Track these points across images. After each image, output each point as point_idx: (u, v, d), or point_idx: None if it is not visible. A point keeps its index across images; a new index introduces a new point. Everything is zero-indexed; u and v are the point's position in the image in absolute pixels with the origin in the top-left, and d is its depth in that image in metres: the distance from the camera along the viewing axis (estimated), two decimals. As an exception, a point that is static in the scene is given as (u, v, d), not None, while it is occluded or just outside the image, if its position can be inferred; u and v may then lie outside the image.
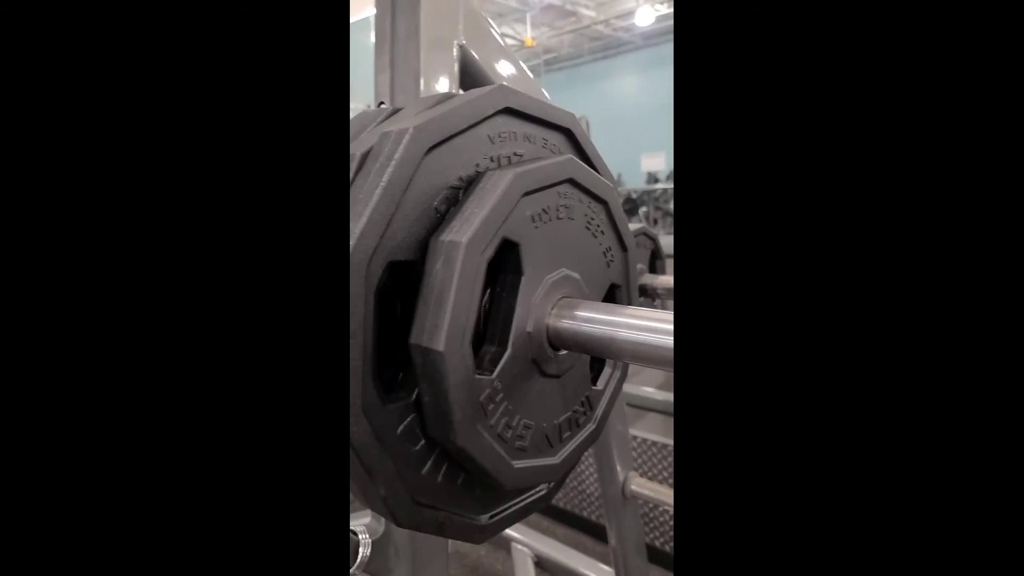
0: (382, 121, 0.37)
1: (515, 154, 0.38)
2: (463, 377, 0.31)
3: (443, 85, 0.57)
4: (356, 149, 0.33)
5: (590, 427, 0.44)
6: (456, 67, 0.58)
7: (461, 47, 0.59)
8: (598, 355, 0.39)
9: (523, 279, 0.35)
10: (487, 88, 0.36)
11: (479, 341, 0.35)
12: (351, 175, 0.32)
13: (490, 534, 0.40)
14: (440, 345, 0.30)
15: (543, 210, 0.36)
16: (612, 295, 0.45)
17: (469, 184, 0.35)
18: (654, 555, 1.19)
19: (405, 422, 0.33)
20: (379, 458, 0.31)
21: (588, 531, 1.63)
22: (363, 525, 0.55)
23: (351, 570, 0.52)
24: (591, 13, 9.72)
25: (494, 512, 0.40)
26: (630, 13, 9.66)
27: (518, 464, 0.36)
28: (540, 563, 1.17)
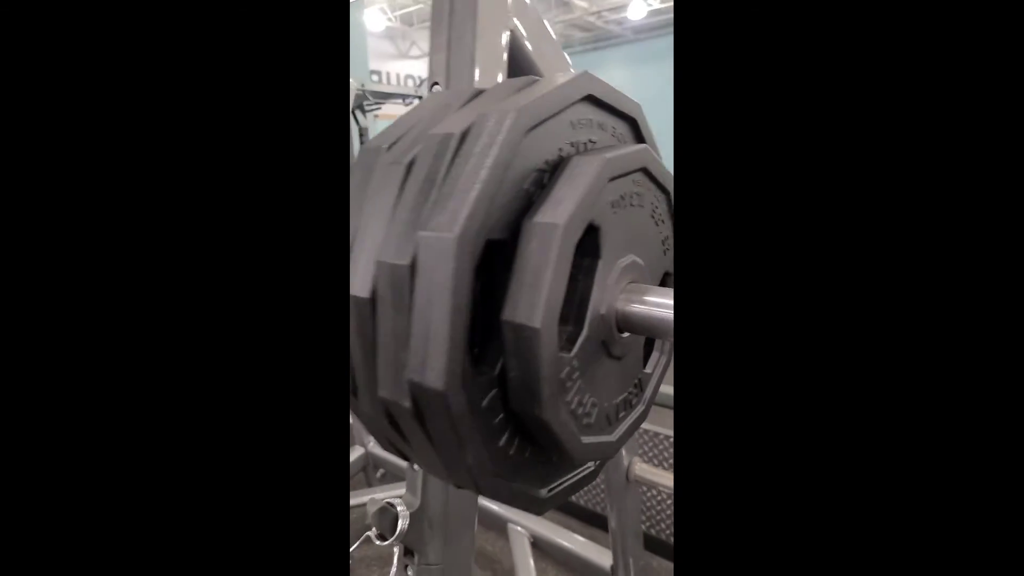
0: (467, 103, 0.38)
1: (590, 140, 0.39)
2: (552, 354, 0.33)
3: (494, 68, 0.57)
4: (452, 128, 0.34)
5: (640, 408, 0.45)
6: (506, 52, 0.59)
7: (511, 31, 0.59)
8: (665, 338, 0.41)
9: (600, 263, 0.37)
10: (572, 75, 0.37)
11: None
12: (450, 154, 0.33)
13: (548, 507, 0.41)
14: (537, 323, 0.31)
15: (621, 196, 0.38)
16: (665, 283, 0.47)
17: (555, 168, 0.36)
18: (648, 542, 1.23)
19: (489, 395, 0.34)
20: (471, 428, 0.32)
21: (576, 515, 1.67)
22: (400, 499, 0.56)
23: (390, 541, 0.53)
24: (583, 4, 9.68)
25: (551, 486, 0.42)
26: (622, 6, 9.65)
27: (585, 440, 0.38)
28: (536, 544, 1.19)
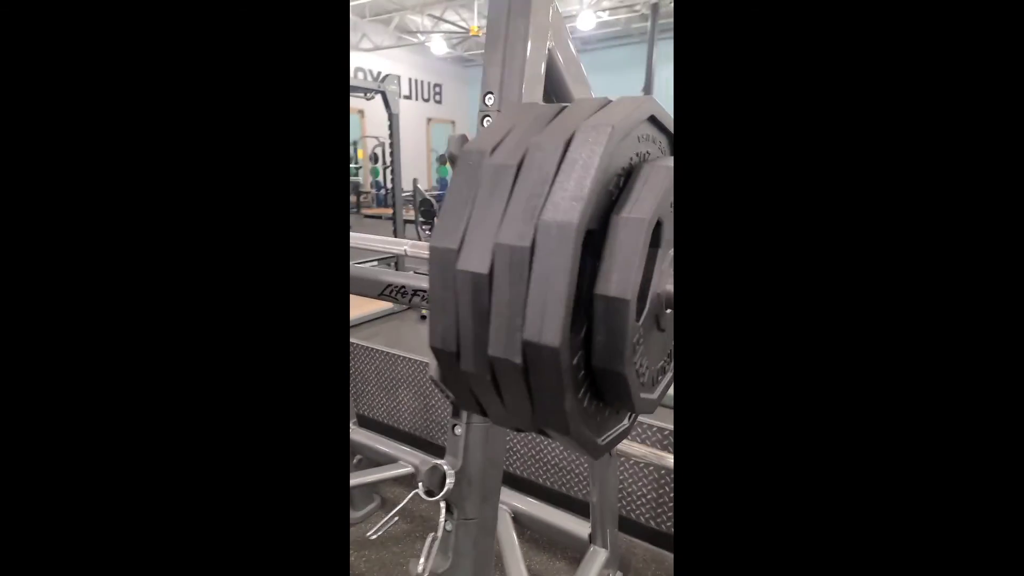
0: (555, 117, 0.46)
1: (647, 152, 0.48)
2: (633, 322, 0.41)
3: (536, 82, 0.65)
4: (556, 139, 0.41)
5: (670, 374, 0.55)
6: (544, 67, 0.67)
7: (550, 49, 0.68)
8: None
9: (660, 251, 0.46)
10: (638, 98, 0.46)
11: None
12: (556, 160, 0.40)
13: (602, 452, 0.50)
14: (629, 295, 0.39)
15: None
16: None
17: (628, 174, 0.44)
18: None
19: (577, 355, 0.42)
20: (574, 379, 0.40)
21: (544, 496, 1.77)
22: (445, 462, 0.63)
23: (438, 497, 0.60)
24: (536, 8, 9.84)
25: (603, 437, 0.51)
26: (573, 15, 9.88)
27: (642, 395, 0.47)
28: (517, 518, 1.28)
